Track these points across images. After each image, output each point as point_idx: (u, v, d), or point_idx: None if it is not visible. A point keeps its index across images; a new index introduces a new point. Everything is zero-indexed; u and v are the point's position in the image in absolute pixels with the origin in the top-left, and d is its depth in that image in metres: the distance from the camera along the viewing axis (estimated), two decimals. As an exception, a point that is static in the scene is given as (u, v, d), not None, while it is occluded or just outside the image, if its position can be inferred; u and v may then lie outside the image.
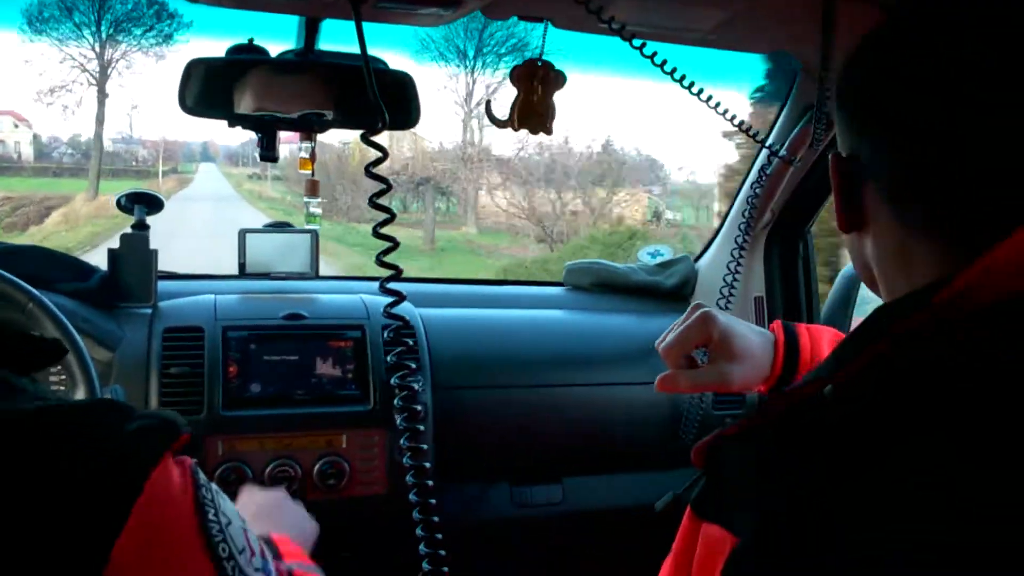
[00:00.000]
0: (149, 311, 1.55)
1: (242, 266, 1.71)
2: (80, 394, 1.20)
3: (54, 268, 1.55)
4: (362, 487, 1.50)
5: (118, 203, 1.59)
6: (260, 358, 1.51)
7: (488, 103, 1.18)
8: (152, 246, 1.59)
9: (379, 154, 0.90)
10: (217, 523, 0.56)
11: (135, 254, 1.56)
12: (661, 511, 0.72)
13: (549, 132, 1.13)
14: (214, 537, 0.55)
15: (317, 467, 1.47)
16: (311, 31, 1.16)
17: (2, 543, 0.46)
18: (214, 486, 0.59)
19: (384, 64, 1.17)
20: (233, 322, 1.53)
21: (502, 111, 1.16)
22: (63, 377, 1.44)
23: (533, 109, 1.11)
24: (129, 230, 1.58)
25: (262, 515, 1.04)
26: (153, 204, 1.60)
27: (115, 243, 1.58)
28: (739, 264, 1.68)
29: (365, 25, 0.93)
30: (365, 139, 0.87)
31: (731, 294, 1.69)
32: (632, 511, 1.71)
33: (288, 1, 1.00)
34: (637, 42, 1.04)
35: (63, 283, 1.51)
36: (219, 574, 0.55)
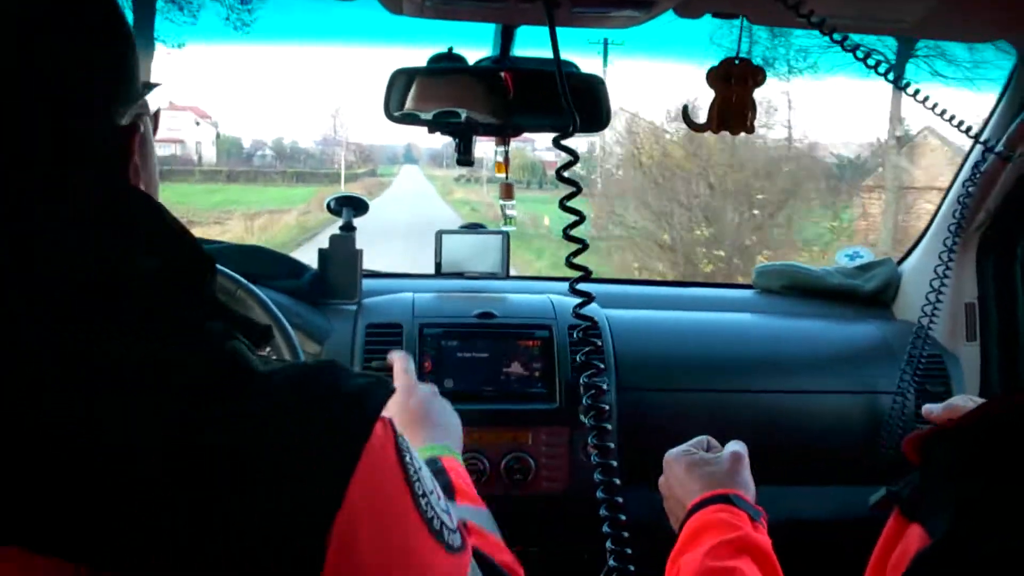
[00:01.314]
0: (354, 307, 1.66)
1: (438, 266, 1.80)
2: None
3: (272, 266, 1.69)
4: (546, 483, 1.53)
5: (328, 206, 1.71)
6: (453, 355, 1.57)
7: (684, 108, 1.17)
8: (358, 246, 1.70)
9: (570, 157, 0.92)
10: (413, 466, 0.62)
11: (342, 254, 1.67)
12: (874, 506, 0.70)
13: (751, 131, 1.10)
14: (412, 478, 0.62)
15: (504, 462, 1.51)
16: (506, 38, 1.20)
17: (251, 486, 0.53)
18: (406, 436, 0.65)
19: (576, 68, 1.20)
20: (429, 319, 1.60)
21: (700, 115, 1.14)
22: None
23: (733, 109, 1.09)
24: (337, 231, 1.70)
25: (416, 419, 1.08)
26: (359, 207, 1.71)
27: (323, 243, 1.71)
28: (948, 268, 1.57)
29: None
30: (556, 143, 0.89)
31: (938, 300, 1.59)
32: (824, 524, 1.64)
33: (485, 10, 1.04)
34: (838, 36, 1.00)
35: (279, 280, 1.65)
36: (418, 509, 0.61)
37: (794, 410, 1.66)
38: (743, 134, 1.12)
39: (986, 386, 1.73)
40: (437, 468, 1.00)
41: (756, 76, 1.11)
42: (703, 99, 1.13)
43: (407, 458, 0.62)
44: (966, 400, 1.20)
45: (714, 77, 1.10)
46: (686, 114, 1.16)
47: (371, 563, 0.56)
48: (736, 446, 1.13)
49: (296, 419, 0.56)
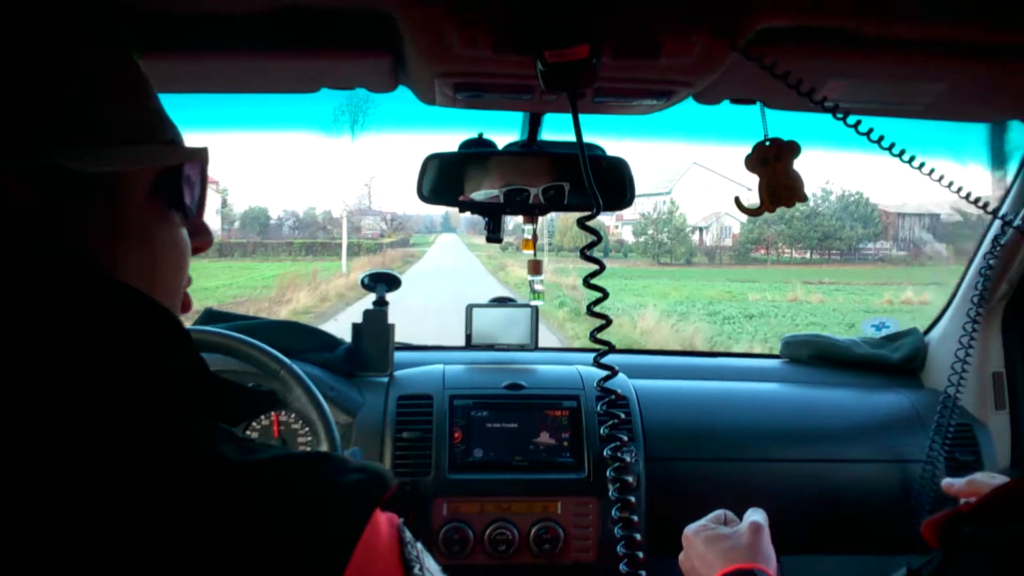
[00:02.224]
0: (386, 379, 1.70)
1: (468, 338, 1.84)
2: None
3: (304, 340, 1.74)
4: (576, 553, 1.54)
5: (361, 282, 1.77)
6: (483, 425, 1.60)
7: (737, 199, 1.21)
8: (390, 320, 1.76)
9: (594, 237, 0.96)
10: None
11: (375, 328, 1.73)
12: None
13: (804, 199, 1.14)
14: None
15: (533, 531, 1.53)
16: (534, 124, 1.26)
17: None
18: (419, 545, 0.61)
19: (602, 150, 1.25)
20: (459, 391, 1.64)
21: (749, 199, 1.18)
22: (309, 439, 1.61)
23: (780, 185, 1.12)
24: (371, 306, 1.75)
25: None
26: (392, 283, 1.76)
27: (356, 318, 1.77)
28: (972, 338, 1.58)
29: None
30: (581, 224, 0.94)
31: (964, 369, 1.60)
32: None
33: (513, 101, 1.10)
34: (852, 119, 1.04)
35: (312, 353, 1.70)
36: None
37: (823, 479, 1.66)
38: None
39: (1018, 454, 1.73)
40: None
41: (792, 150, 1.14)
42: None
43: (415, 568, 0.58)
44: (988, 476, 1.20)
45: (752, 163, 1.14)
46: (739, 203, 1.19)
47: None
48: (756, 516, 1.13)
49: (278, 518, 0.52)
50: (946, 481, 1.21)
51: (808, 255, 38.75)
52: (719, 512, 1.19)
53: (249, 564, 0.50)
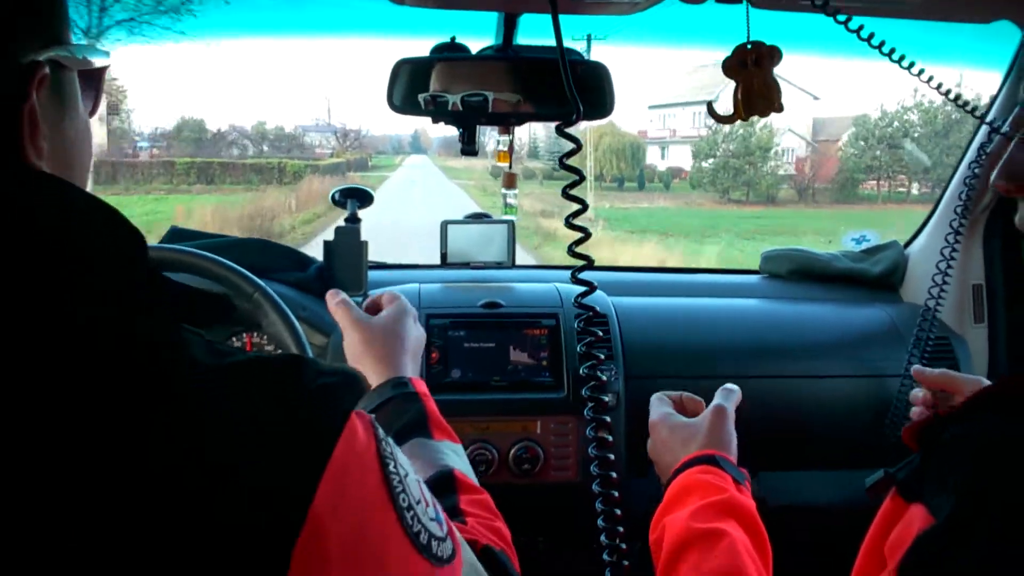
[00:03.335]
0: (361, 299, 1.65)
1: (444, 256, 1.79)
2: None
3: (276, 259, 1.69)
4: (556, 472, 1.53)
5: (332, 198, 1.71)
6: (460, 345, 1.57)
7: (709, 104, 1.15)
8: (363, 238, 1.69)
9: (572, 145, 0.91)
10: (397, 475, 0.58)
11: (348, 245, 1.67)
12: (870, 488, 0.71)
13: (780, 110, 1.09)
14: (395, 488, 0.57)
15: (512, 451, 1.51)
16: (509, 27, 1.20)
17: (204, 493, 0.48)
18: (391, 439, 0.60)
19: (580, 55, 1.19)
20: (435, 310, 1.60)
21: (722, 106, 1.13)
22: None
23: (756, 93, 1.08)
24: (343, 223, 1.69)
25: (367, 353, 1.06)
26: (364, 198, 1.70)
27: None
28: (955, 250, 1.56)
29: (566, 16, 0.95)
30: (560, 131, 0.89)
31: (945, 282, 1.58)
32: (832, 508, 1.64)
33: None
34: (842, 17, 0.99)
35: (284, 273, 1.65)
36: (401, 523, 0.57)
37: (802, 395, 1.66)
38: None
39: (994, 367, 1.73)
40: (408, 392, 0.99)
41: (772, 56, 1.09)
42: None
43: (390, 466, 0.58)
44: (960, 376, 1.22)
45: (730, 66, 1.09)
46: (711, 109, 1.14)
47: None
48: (719, 400, 1.14)
49: (253, 420, 0.51)
50: (916, 368, 1.21)
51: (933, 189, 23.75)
52: (663, 395, 1.19)
53: (227, 465, 0.49)
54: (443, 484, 0.88)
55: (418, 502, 0.60)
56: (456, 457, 0.95)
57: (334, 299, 1.13)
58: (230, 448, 0.50)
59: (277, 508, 0.49)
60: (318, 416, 0.54)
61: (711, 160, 29.09)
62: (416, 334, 1.12)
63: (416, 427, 0.95)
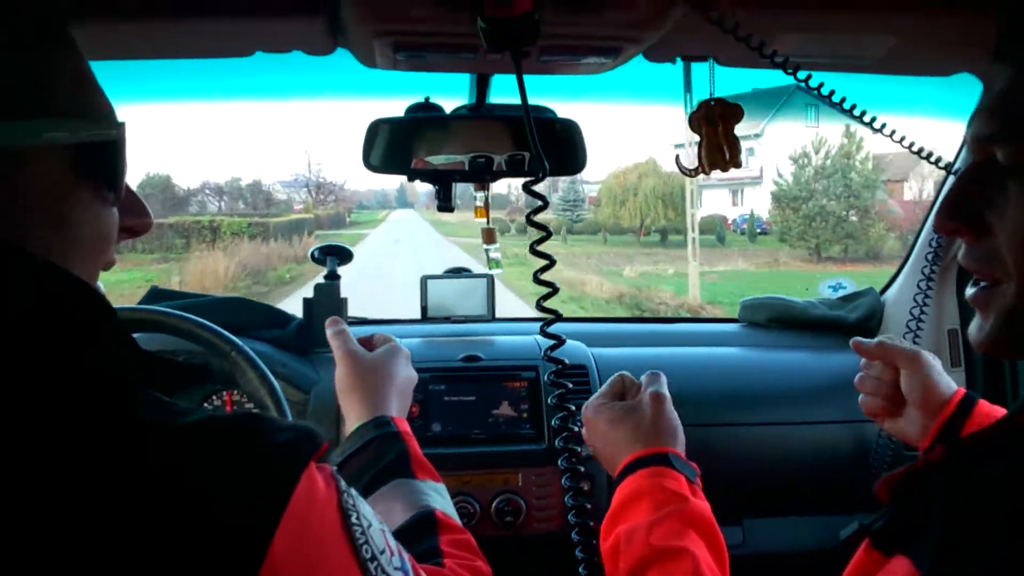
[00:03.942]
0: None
1: (424, 310, 1.81)
2: None
3: (254, 317, 1.69)
4: (538, 524, 1.53)
5: (312, 256, 1.72)
6: (440, 399, 1.58)
7: (677, 158, 1.18)
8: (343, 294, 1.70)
9: (539, 203, 0.93)
10: (360, 526, 0.59)
11: (327, 302, 1.68)
12: (845, 540, 0.71)
13: (739, 165, 1.12)
14: (357, 539, 0.58)
15: (494, 504, 1.51)
16: (482, 86, 1.23)
17: (159, 550, 0.49)
18: (353, 491, 0.61)
19: (552, 113, 1.22)
20: (415, 364, 1.59)
21: (688, 159, 1.16)
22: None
23: (719, 147, 1.11)
24: (322, 280, 1.71)
25: (358, 386, 1.06)
26: (343, 256, 1.72)
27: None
28: (927, 296, 1.59)
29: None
30: (526, 188, 0.91)
31: (919, 328, 1.60)
32: (816, 553, 1.63)
33: (456, 62, 1.07)
34: (802, 75, 1.03)
35: (263, 330, 1.65)
36: (363, 573, 0.57)
37: (782, 442, 1.66)
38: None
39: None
40: (390, 432, 0.99)
41: (735, 113, 1.13)
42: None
43: (352, 517, 0.58)
44: (898, 339, 1.22)
45: (695, 121, 1.12)
46: (679, 163, 1.17)
47: None
48: (654, 385, 1.09)
49: (207, 477, 0.52)
50: (855, 339, 1.22)
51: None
52: (615, 378, 1.14)
53: (179, 522, 0.49)
54: (424, 524, 0.88)
55: (382, 552, 0.60)
56: (438, 497, 0.95)
57: (334, 327, 1.13)
58: (184, 504, 0.50)
59: (233, 558, 0.50)
60: (274, 468, 0.54)
61: (800, 205, 22.44)
62: (406, 374, 1.13)
63: (398, 467, 0.96)
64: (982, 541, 0.51)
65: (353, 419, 1.04)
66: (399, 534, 0.81)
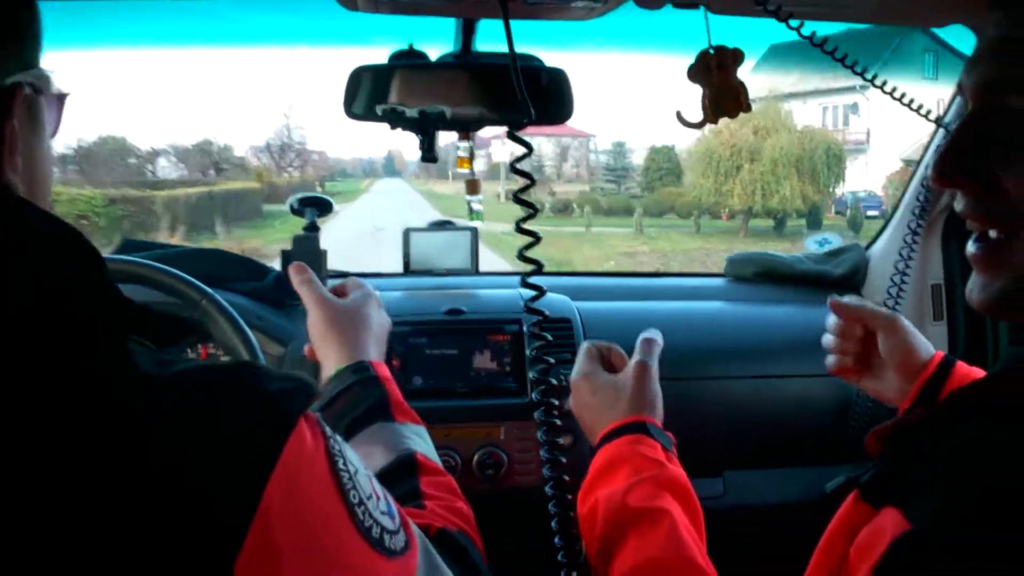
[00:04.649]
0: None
1: (406, 264, 1.78)
2: None
3: (232, 268, 1.66)
4: (520, 477, 1.53)
5: (291, 207, 1.69)
6: (422, 352, 1.56)
7: (678, 113, 1.15)
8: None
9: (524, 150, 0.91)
10: (347, 472, 0.58)
11: (306, 254, 1.65)
12: (831, 494, 0.71)
13: (748, 109, 1.09)
14: (345, 485, 0.58)
15: (476, 458, 1.50)
16: (467, 32, 1.19)
17: (148, 501, 0.48)
18: (339, 437, 0.61)
19: (539, 61, 1.19)
20: (397, 318, 1.58)
21: (691, 113, 1.12)
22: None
23: (723, 95, 1.07)
24: (302, 232, 1.67)
25: (331, 333, 1.04)
26: (323, 207, 1.69)
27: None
28: (912, 250, 1.58)
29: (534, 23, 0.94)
30: (511, 135, 0.89)
31: (903, 282, 1.60)
32: (796, 506, 1.65)
33: (442, 4, 1.03)
34: (794, 23, 1.00)
35: (240, 283, 1.63)
36: (352, 518, 0.57)
37: (765, 395, 1.66)
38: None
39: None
40: (369, 377, 0.98)
41: (735, 57, 1.09)
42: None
43: (339, 463, 0.58)
44: (874, 306, 1.20)
45: (695, 72, 1.09)
46: (680, 117, 1.14)
47: None
48: (641, 355, 1.07)
49: (200, 427, 0.52)
50: (832, 297, 1.21)
51: None
52: (590, 346, 1.12)
53: (172, 472, 0.49)
54: (405, 467, 0.88)
55: (369, 497, 0.60)
56: (419, 440, 0.95)
57: (299, 275, 1.10)
58: (177, 454, 0.50)
59: (225, 507, 0.50)
60: (266, 420, 0.54)
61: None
62: (380, 320, 1.11)
63: (378, 411, 0.95)
64: (961, 503, 0.50)
65: (331, 365, 1.03)
66: (380, 477, 0.81)
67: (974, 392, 0.60)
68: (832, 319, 1.20)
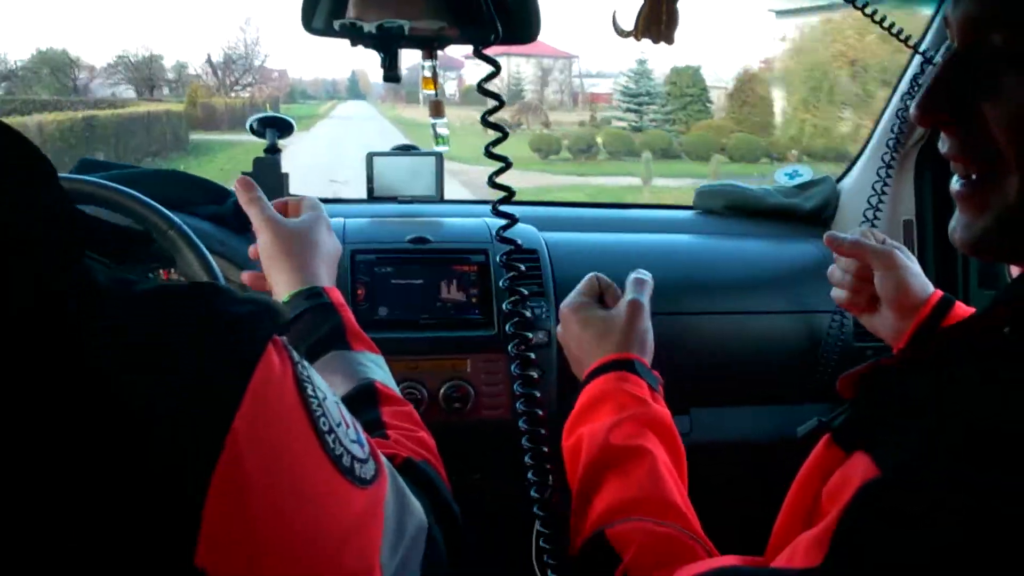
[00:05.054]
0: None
1: (370, 190, 1.73)
2: None
3: (192, 192, 1.60)
4: (487, 411, 1.51)
5: (250, 127, 1.62)
6: (387, 281, 1.52)
7: (614, 15, 1.10)
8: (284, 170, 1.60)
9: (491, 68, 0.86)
10: (316, 398, 0.57)
11: (268, 177, 1.59)
12: (802, 438, 0.70)
13: (671, 42, 1.05)
14: (314, 412, 0.56)
15: (443, 391, 1.48)
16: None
17: (110, 425, 0.46)
18: (306, 362, 0.59)
19: (507, -24, 1.12)
20: (361, 245, 1.54)
21: (626, 21, 1.08)
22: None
23: (655, 19, 1.03)
24: (262, 154, 1.61)
25: (283, 254, 1.01)
26: (284, 128, 1.62)
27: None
28: (886, 184, 1.56)
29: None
30: (477, 53, 0.84)
31: (876, 217, 1.58)
32: (761, 444, 1.66)
33: None
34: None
35: (200, 206, 1.56)
36: (323, 446, 0.56)
37: (733, 332, 1.65)
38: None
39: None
40: (324, 303, 0.96)
41: None
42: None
43: (308, 390, 0.56)
44: (872, 234, 1.19)
45: None
46: (614, 20, 1.09)
47: (265, 508, 0.51)
48: (633, 293, 1.08)
49: (163, 350, 0.49)
50: (829, 233, 1.19)
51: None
52: (592, 278, 1.13)
53: (136, 396, 0.46)
54: (364, 396, 0.86)
55: (338, 424, 0.58)
56: (377, 368, 0.92)
57: (247, 193, 1.06)
58: (138, 379, 0.47)
59: (193, 437, 0.48)
60: (234, 344, 0.52)
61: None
62: (332, 243, 1.07)
63: (334, 338, 0.92)
64: (948, 447, 0.49)
65: (281, 291, 0.99)
66: None
67: (955, 335, 0.59)
68: (814, 251, 1.20)
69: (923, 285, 1.12)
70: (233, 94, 28.94)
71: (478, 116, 0.95)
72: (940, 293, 1.12)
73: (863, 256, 1.15)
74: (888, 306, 1.13)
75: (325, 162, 14.91)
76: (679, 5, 1.04)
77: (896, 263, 1.12)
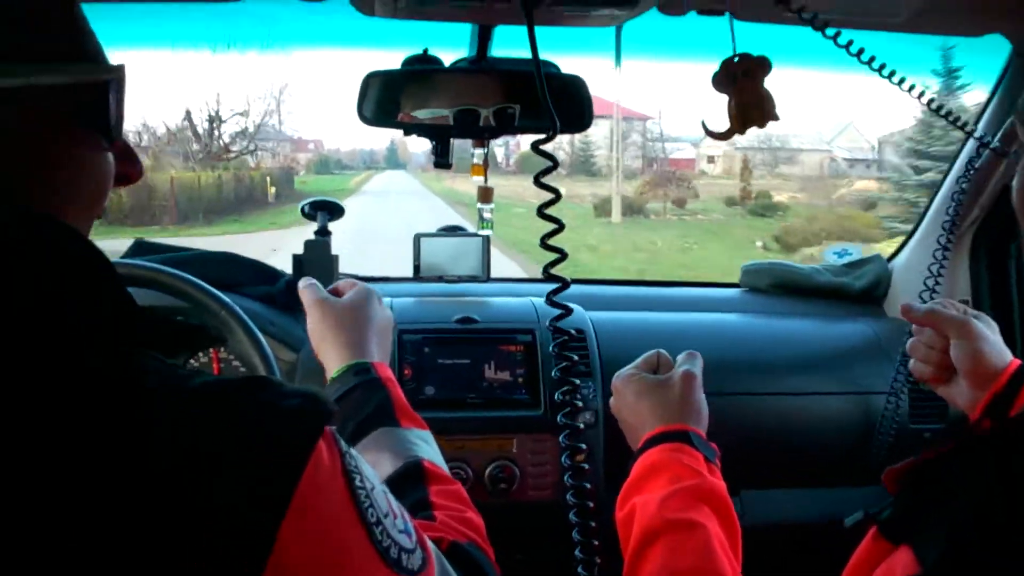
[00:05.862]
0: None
1: (417, 268, 1.75)
2: None
3: (243, 273, 1.64)
4: (533, 491, 1.49)
5: (302, 211, 1.66)
6: (434, 361, 1.53)
7: (703, 123, 1.11)
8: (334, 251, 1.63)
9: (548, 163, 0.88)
10: (364, 489, 0.57)
11: (318, 259, 1.62)
12: (850, 528, 0.69)
13: (776, 119, 1.05)
14: (363, 503, 0.56)
15: (488, 470, 1.47)
16: (483, 38, 1.16)
17: (163, 526, 0.46)
18: (354, 451, 0.59)
19: (556, 68, 1.15)
20: (408, 325, 1.56)
21: (716, 123, 1.09)
22: (252, 377, 1.52)
23: (750, 104, 1.04)
24: (312, 236, 1.64)
25: (332, 334, 1.02)
26: (335, 211, 1.66)
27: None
28: (942, 265, 1.54)
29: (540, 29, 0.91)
30: (535, 149, 0.85)
31: (932, 298, 1.55)
32: (813, 527, 1.61)
33: (461, 10, 1.00)
34: (831, 31, 0.96)
35: (251, 287, 1.60)
36: (370, 539, 0.56)
37: (784, 412, 1.62)
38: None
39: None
40: (372, 379, 0.95)
41: (762, 66, 1.05)
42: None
43: (356, 481, 0.56)
44: (950, 304, 1.16)
45: (719, 81, 1.05)
46: (705, 127, 1.10)
47: None
48: (688, 364, 1.07)
49: (214, 447, 0.49)
50: (904, 303, 1.17)
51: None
52: (652, 354, 1.12)
53: (186, 495, 0.47)
54: (412, 475, 0.86)
55: (386, 515, 0.58)
56: (425, 446, 0.92)
57: (304, 282, 1.09)
58: (189, 477, 0.48)
59: (243, 536, 0.48)
60: (283, 441, 0.52)
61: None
62: (383, 315, 1.07)
63: (382, 415, 0.92)
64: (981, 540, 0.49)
65: (332, 366, 1.00)
66: (388, 486, 0.79)
67: (996, 428, 0.59)
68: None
69: (1000, 354, 1.09)
70: (211, 169, 23.33)
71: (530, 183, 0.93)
72: (1018, 362, 1.08)
73: (938, 324, 1.12)
74: (963, 376, 1.09)
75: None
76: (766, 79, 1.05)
77: (972, 331, 1.09)
